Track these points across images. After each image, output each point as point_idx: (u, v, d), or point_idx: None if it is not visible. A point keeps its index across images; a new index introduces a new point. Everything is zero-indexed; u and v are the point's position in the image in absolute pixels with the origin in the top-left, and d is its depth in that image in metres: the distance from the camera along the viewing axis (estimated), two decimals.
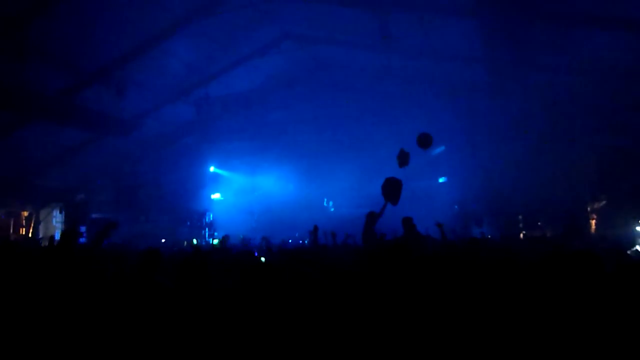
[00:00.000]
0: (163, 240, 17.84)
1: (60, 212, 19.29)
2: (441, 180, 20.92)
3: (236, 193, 23.78)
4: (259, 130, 21.32)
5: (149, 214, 20.53)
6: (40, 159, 16.93)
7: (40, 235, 18.38)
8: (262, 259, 7.44)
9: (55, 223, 19.56)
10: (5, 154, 15.02)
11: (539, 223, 16.72)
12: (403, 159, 9.00)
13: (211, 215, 21.85)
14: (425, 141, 9.21)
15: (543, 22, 11.32)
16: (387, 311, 3.37)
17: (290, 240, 15.82)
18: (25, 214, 18.31)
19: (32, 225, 18.41)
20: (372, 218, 8.20)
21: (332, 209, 23.34)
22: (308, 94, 20.13)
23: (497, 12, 11.04)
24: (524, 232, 16.90)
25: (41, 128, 15.00)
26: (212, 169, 22.82)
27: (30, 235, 18.03)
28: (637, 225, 12.22)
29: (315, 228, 8.47)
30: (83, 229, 18.77)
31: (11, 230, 17.46)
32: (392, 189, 8.45)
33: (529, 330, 3.02)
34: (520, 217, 17.33)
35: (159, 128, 19.09)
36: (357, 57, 18.04)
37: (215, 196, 23.34)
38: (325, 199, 23.55)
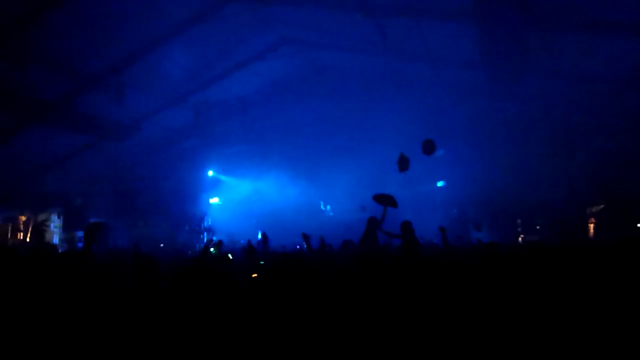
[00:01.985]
0: (162, 245, 17.78)
1: (59, 217, 19.21)
2: (439, 184, 20.92)
3: (235, 197, 23.75)
4: (257, 135, 21.28)
5: (148, 219, 20.49)
6: (38, 163, 16.88)
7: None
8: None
9: (53, 228, 19.47)
10: (3, 158, 14.97)
11: (538, 227, 16.74)
12: (403, 163, 8.99)
13: (210, 220, 21.81)
14: (429, 148, 9.22)
15: (542, 27, 11.34)
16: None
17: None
18: (23, 218, 18.22)
19: (30, 230, 18.31)
20: (373, 223, 8.16)
21: (331, 213, 23.33)
22: (306, 98, 20.14)
23: (496, 16, 11.04)
24: (522, 236, 16.93)
25: (39, 132, 14.95)
26: (210, 173, 22.80)
27: (27, 240, 17.93)
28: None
29: (305, 236, 8.33)
30: (80, 233, 18.70)
31: (9, 235, 17.36)
32: (384, 200, 8.42)
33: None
34: (518, 221, 17.36)
35: (157, 132, 19.07)
36: (355, 62, 18.07)
37: (214, 200, 23.30)
38: (322, 202, 23.52)
